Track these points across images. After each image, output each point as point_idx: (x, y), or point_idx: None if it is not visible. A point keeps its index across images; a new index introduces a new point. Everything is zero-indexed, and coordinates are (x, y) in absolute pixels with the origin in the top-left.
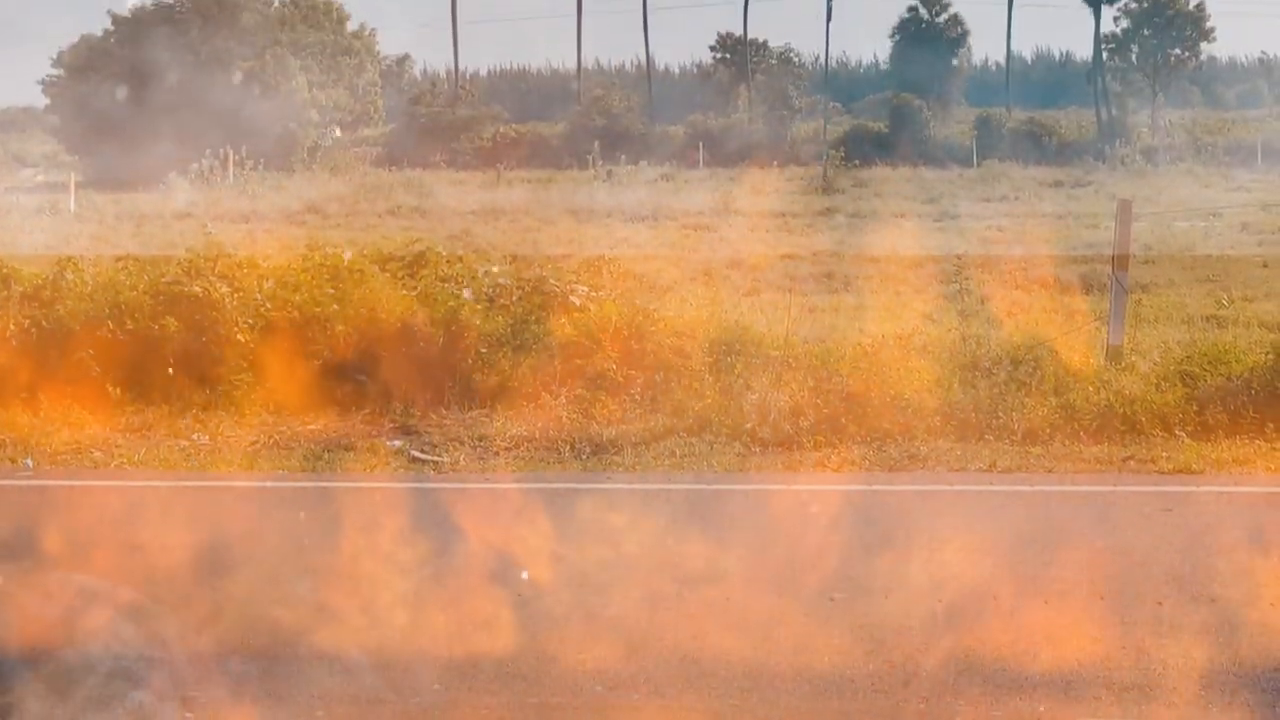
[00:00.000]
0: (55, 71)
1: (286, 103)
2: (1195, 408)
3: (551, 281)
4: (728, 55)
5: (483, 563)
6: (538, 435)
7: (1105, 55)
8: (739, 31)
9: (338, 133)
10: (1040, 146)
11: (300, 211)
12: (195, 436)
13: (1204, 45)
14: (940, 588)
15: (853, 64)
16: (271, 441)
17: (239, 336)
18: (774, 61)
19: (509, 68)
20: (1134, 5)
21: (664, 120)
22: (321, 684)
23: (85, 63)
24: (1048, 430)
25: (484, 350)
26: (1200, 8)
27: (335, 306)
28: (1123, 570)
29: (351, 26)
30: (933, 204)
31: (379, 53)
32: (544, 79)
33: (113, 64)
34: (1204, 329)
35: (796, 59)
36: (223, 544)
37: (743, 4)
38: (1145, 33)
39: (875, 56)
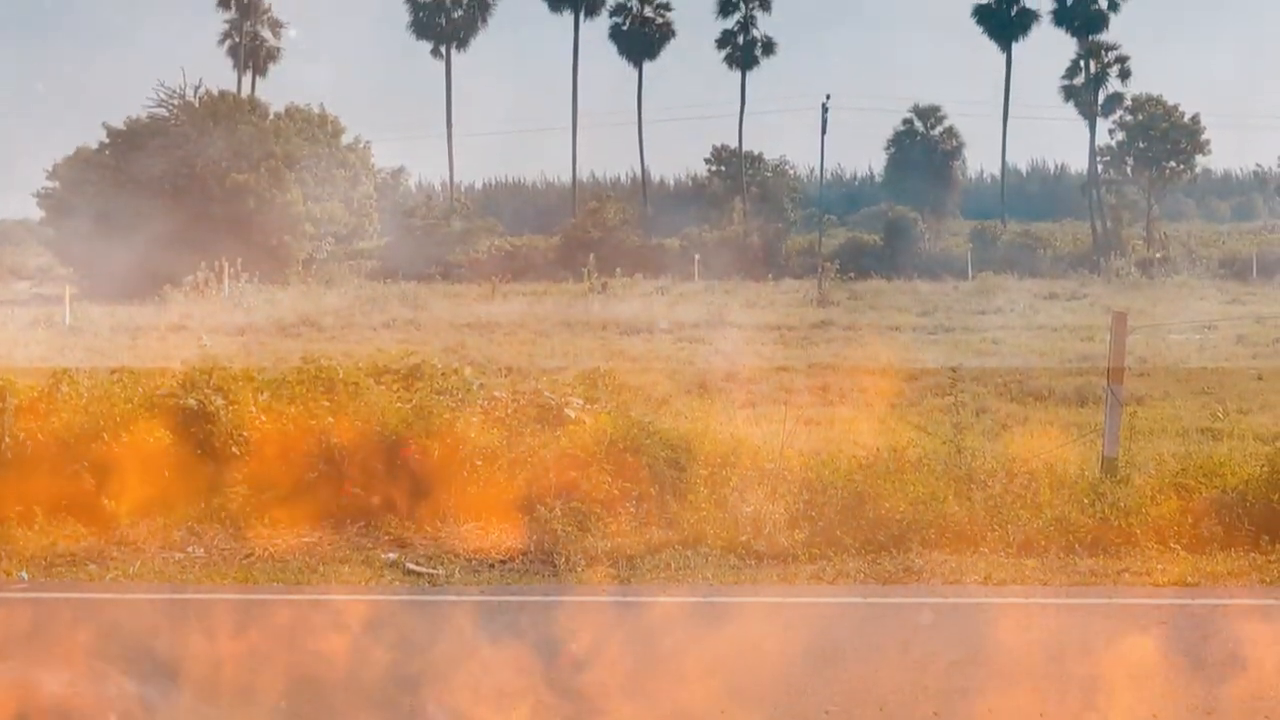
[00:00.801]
0: (50, 184)
1: (281, 215)
2: (1190, 520)
3: (547, 394)
4: (723, 168)
5: (477, 680)
6: (533, 548)
7: (1100, 168)
8: (734, 144)
9: (333, 245)
10: (1035, 259)
11: (295, 324)
12: (190, 549)
13: (1199, 158)
14: (936, 702)
15: (848, 176)
16: (266, 554)
17: (234, 449)
18: (769, 174)
19: (504, 180)
20: (1129, 118)
21: (659, 233)
22: None
23: (80, 175)
24: (1043, 542)
25: (479, 463)
26: (1195, 120)
27: (330, 419)
28: (1122, 685)
29: (347, 139)
30: (928, 316)
31: (374, 165)
32: (539, 191)
33: (108, 176)
34: (1199, 441)
35: (791, 171)
36: (213, 659)
37: (738, 117)
38: (1140, 145)
39: (870, 169)
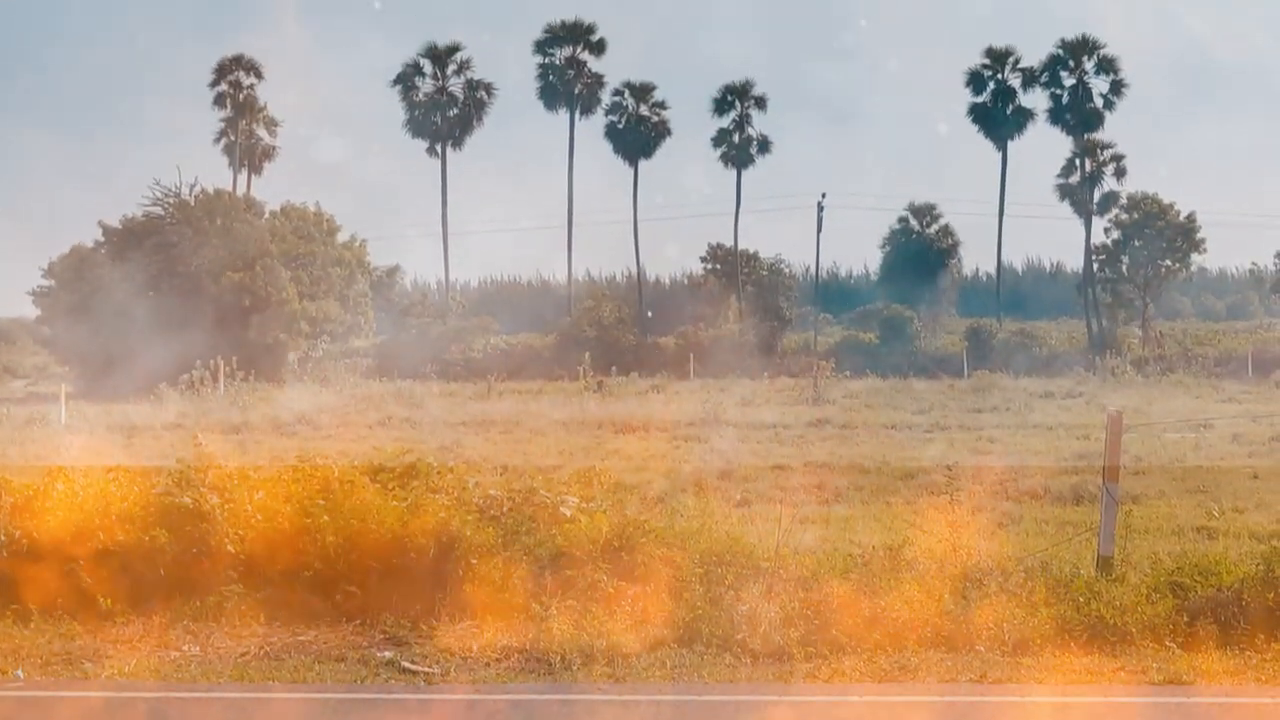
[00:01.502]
0: (46, 282)
1: (277, 313)
2: (1186, 619)
3: (542, 493)
4: (718, 266)
5: None
6: (528, 646)
7: (1096, 266)
8: (730, 242)
9: (328, 343)
10: (1031, 357)
11: (291, 422)
12: (185, 647)
13: (1195, 256)
14: None
15: (844, 274)
16: (263, 652)
17: (229, 547)
18: (765, 272)
19: (500, 278)
20: (1125, 217)
21: (655, 331)
22: None
23: (76, 273)
24: (1039, 641)
25: (474, 561)
26: (1191, 219)
27: (326, 517)
28: None
29: (343, 237)
30: (923, 415)
31: (370, 263)
32: (535, 290)
33: (104, 275)
34: (1195, 540)
35: (787, 269)
36: None
37: (734, 215)
38: (1136, 244)
39: (866, 266)
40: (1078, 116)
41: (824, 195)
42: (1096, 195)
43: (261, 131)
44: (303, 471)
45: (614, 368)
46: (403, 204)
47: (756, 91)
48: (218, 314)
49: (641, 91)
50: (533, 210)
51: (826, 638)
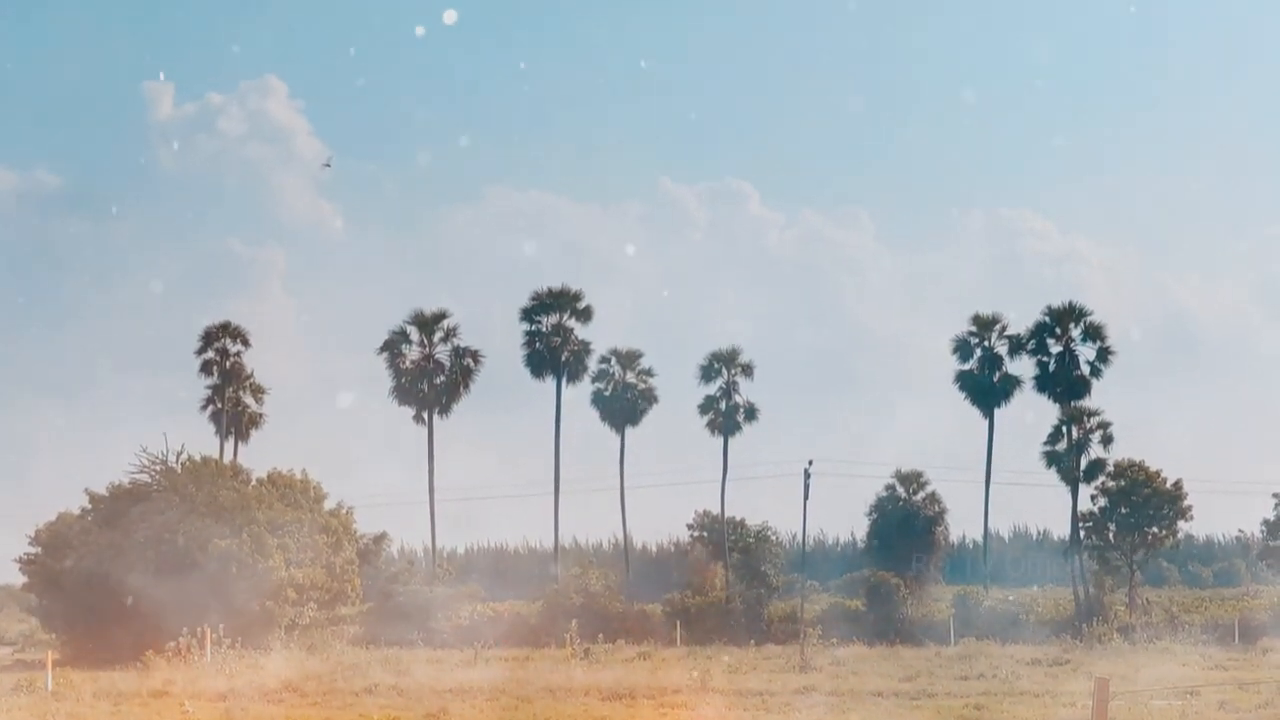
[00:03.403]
0: (33, 549)
1: (264, 581)
2: None
3: None
4: (705, 533)
5: None
6: None
7: (1083, 534)
8: (716, 509)
9: (315, 610)
10: (1018, 624)
11: (278, 690)
12: None
13: (1181, 524)
14: None
15: (830, 541)
16: None
17: None
18: (751, 539)
19: (486, 545)
20: (1111, 484)
21: (642, 598)
22: None
23: (63, 541)
24: None
25: None
26: (1178, 486)
27: None
28: None
29: (329, 505)
30: (910, 682)
31: (356, 531)
32: (521, 556)
33: (90, 542)
34: None
35: (774, 536)
36: None
37: (720, 482)
38: (1123, 511)
39: (853, 534)
40: (1064, 384)
41: (811, 462)
42: (1083, 463)
43: (248, 399)
44: None
45: (601, 634)
46: (390, 471)
47: (743, 359)
48: (205, 581)
49: (628, 359)
50: (519, 477)
51: None
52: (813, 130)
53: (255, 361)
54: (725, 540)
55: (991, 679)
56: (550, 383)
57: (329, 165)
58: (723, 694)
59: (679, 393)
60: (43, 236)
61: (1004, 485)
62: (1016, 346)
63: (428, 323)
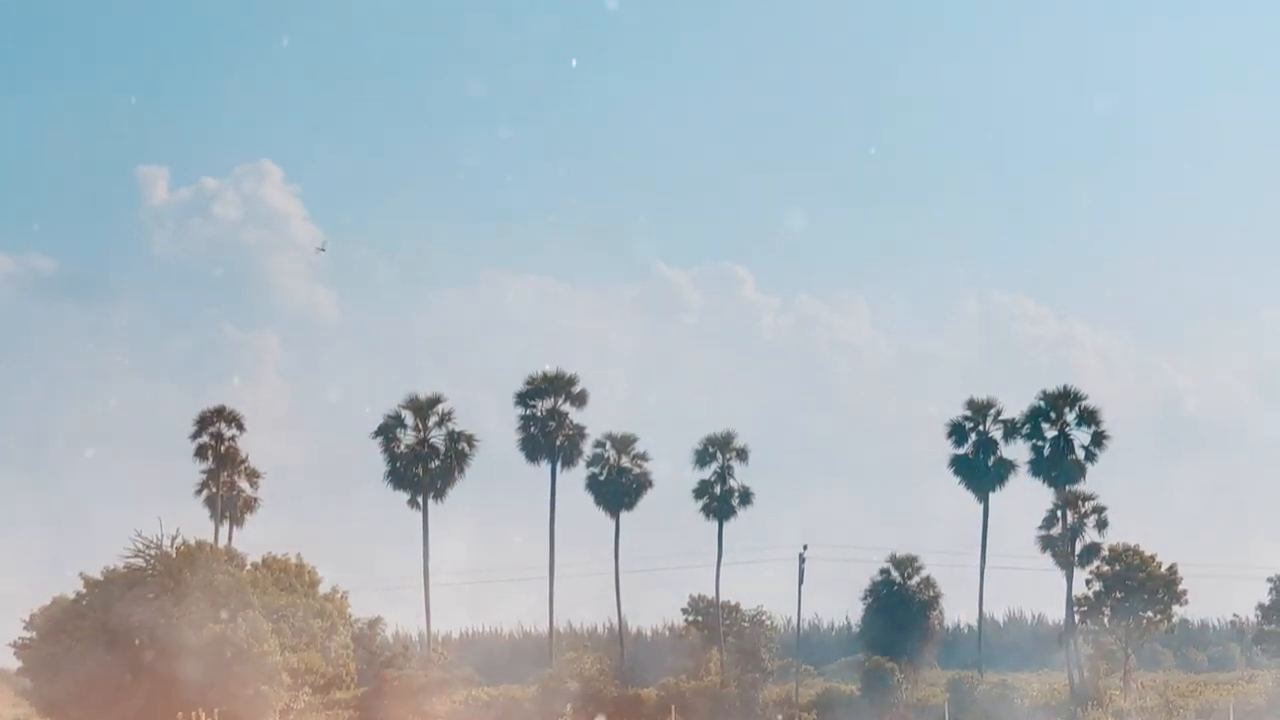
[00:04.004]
0: (27, 634)
1: (258, 666)
2: None
3: None
4: (700, 617)
5: None
6: None
7: (1077, 618)
8: (711, 593)
9: (310, 695)
10: (1013, 709)
11: None
12: None
13: (1176, 608)
14: None
15: (825, 625)
16: None
17: None
18: (746, 624)
19: (481, 629)
20: (1107, 569)
21: (636, 682)
22: None
23: (57, 625)
24: None
25: None
26: (1173, 571)
27: None
28: None
29: (324, 589)
30: None
31: (351, 615)
32: (516, 641)
33: (85, 627)
34: None
35: (769, 621)
36: None
37: (715, 566)
38: (1118, 595)
39: (848, 618)
40: (1059, 468)
41: (805, 547)
42: (1078, 547)
43: (243, 483)
44: None
45: (598, 718)
46: (385, 555)
47: (738, 443)
48: (200, 665)
49: (623, 443)
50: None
51: None
52: (808, 214)
53: (250, 446)
54: (720, 624)
55: None
56: (545, 467)
57: (323, 249)
58: None
59: (674, 477)
60: (36, 320)
61: (999, 569)
62: (1011, 431)
63: (422, 407)
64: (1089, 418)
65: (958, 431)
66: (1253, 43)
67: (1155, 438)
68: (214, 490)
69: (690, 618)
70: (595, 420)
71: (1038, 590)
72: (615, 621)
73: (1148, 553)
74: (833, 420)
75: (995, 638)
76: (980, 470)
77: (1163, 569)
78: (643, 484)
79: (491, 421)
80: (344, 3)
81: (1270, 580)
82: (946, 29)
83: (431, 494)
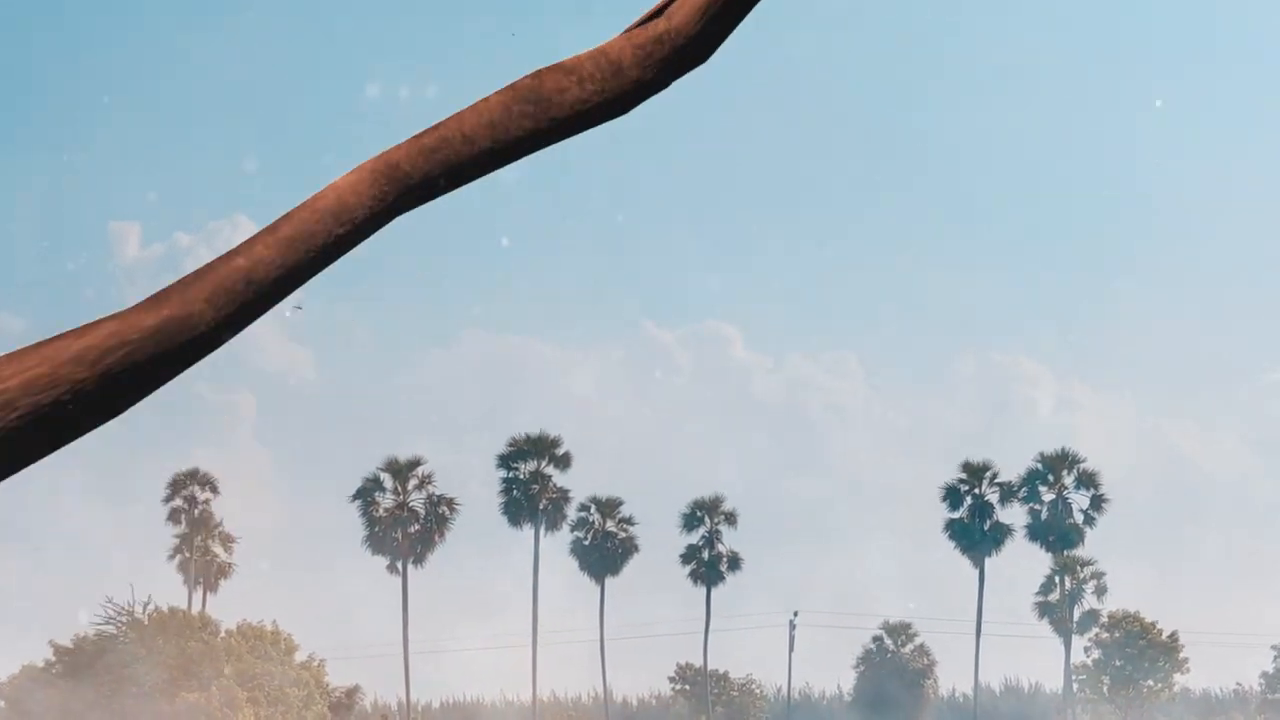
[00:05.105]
0: None
1: None
2: None
3: None
4: (687, 685)
5: None
6: None
7: (1076, 686)
8: (699, 661)
9: None
10: None
11: None
12: None
13: (1178, 676)
14: None
15: (816, 694)
16: None
17: None
18: (735, 693)
19: (462, 698)
20: (1106, 635)
21: None
22: None
23: (27, 694)
24: None
25: None
26: (1174, 638)
27: None
28: None
29: (300, 657)
30: None
31: (328, 683)
32: (498, 710)
33: (55, 695)
34: None
35: (758, 689)
36: None
37: (703, 633)
38: (1118, 663)
39: (839, 686)
40: (1057, 532)
41: (796, 613)
42: (1077, 613)
43: (217, 547)
44: None
45: None
46: (362, 622)
47: (727, 507)
48: None
49: (608, 506)
50: (496, 628)
51: None
52: (800, 273)
53: (224, 509)
54: (708, 693)
55: None
56: (528, 531)
57: (300, 309)
58: None
59: (660, 541)
60: None
61: (995, 636)
62: (1008, 494)
63: (401, 470)
64: (1088, 480)
65: (953, 495)
66: (1255, 115)
67: (1156, 502)
68: (187, 555)
69: (677, 686)
70: (579, 483)
71: (1035, 658)
72: (600, 690)
73: (1148, 619)
74: (824, 483)
75: (992, 707)
76: (976, 535)
77: (1164, 636)
78: (629, 548)
79: (473, 484)
80: (314, 56)
81: (1274, 647)
82: (938, 92)
83: (411, 558)
